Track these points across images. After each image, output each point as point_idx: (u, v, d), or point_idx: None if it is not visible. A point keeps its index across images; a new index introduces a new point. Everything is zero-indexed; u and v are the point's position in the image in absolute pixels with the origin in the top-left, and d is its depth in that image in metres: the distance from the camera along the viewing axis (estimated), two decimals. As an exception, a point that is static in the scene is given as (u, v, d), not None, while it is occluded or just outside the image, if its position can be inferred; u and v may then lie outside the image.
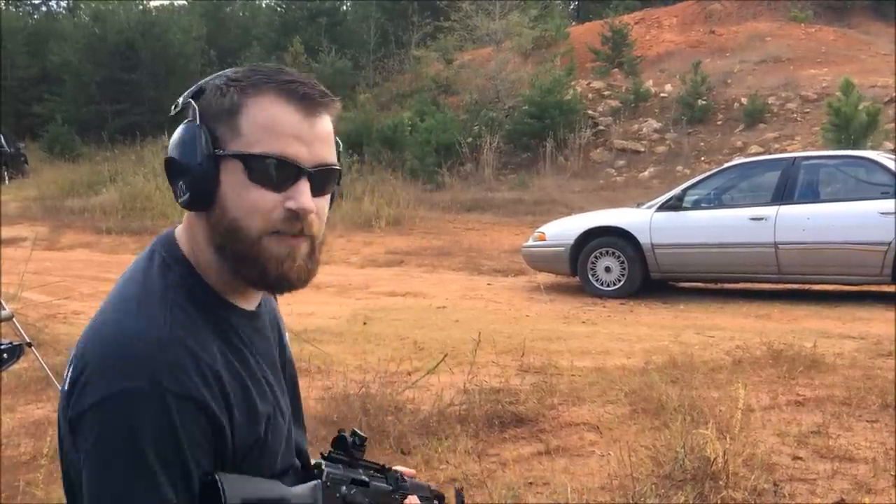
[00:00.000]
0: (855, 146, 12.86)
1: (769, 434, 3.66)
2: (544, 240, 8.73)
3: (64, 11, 37.99)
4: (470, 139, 18.46)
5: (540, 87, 18.64)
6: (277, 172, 0.96)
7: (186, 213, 1.03)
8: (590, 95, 20.69)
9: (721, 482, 3.05)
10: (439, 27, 23.42)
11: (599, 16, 27.32)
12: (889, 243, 7.11)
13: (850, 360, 4.96)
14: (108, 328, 0.97)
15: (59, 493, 3.40)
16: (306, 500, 1.10)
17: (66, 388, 0.97)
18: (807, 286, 8.14)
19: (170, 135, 1.05)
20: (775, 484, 3.07)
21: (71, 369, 0.97)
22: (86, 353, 0.95)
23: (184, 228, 1.05)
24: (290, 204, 0.97)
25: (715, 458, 3.11)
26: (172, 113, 1.03)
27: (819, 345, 5.21)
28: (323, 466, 1.16)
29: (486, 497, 3.04)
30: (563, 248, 8.46)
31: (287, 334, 1.28)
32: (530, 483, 3.23)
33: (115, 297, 1.02)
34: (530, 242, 8.96)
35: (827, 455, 3.41)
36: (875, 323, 6.39)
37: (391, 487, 1.30)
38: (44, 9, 38.85)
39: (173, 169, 0.98)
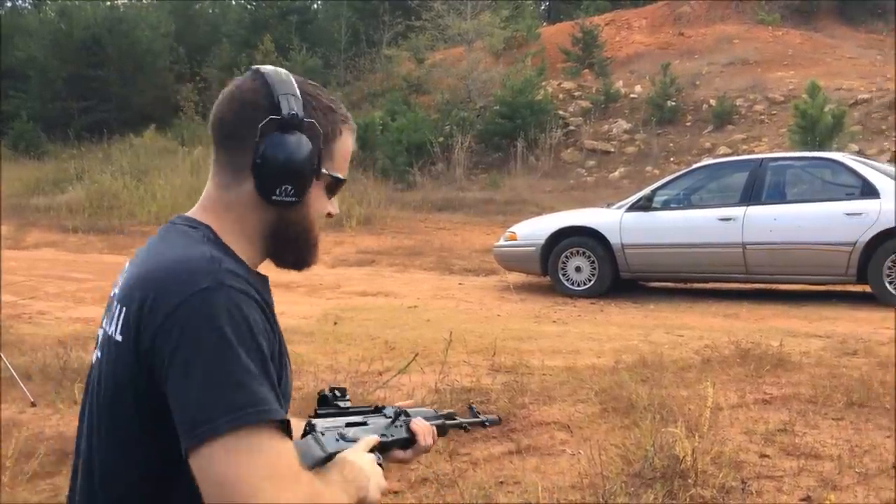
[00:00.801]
0: (821, 148, 13.06)
1: (737, 432, 3.70)
2: (515, 239, 8.75)
3: (29, 7, 37.36)
4: (441, 139, 18.46)
5: (511, 87, 18.69)
6: (339, 189, 1.25)
7: (230, 205, 1.17)
8: (560, 96, 20.79)
9: (690, 480, 3.07)
10: (411, 26, 23.40)
11: (570, 16, 27.46)
12: (854, 244, 7.22)
13: (816, 359, 5.03)
14: (163, 259, 1.10)
15: (24, 495, 3.33)
16: (305, 450, 1.13)
17: (128, 321, 1.07)
18: (774, 286, 8.25)
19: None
20: (743, 481, 3.10)
21: (127, 308, 1.08)
22: (146, 284, 1.07)
23: (217, 219, 1.18)
24: (332, 210, 1.25)
25: (684, 457, 3.14)
26: (286, 115, 1.15)
27: (786, 344, 5.28)
28: (315, 423, 1.20)
29: (457, 497, 3.04)
30: (533, 248, 8.48)
31: None
32: (501, 482, 3.23)
33: (155, 249, 1.15)
34: (501, 242, 8.98)
35: (793, 452, 3.45)
36: (841, 322, 6.49)
37: (391, 418, 1.34)
38: (8, 4, 38.20)
39: (284, 170, 1.14)
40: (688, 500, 2.97)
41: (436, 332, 5.95)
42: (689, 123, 18.91)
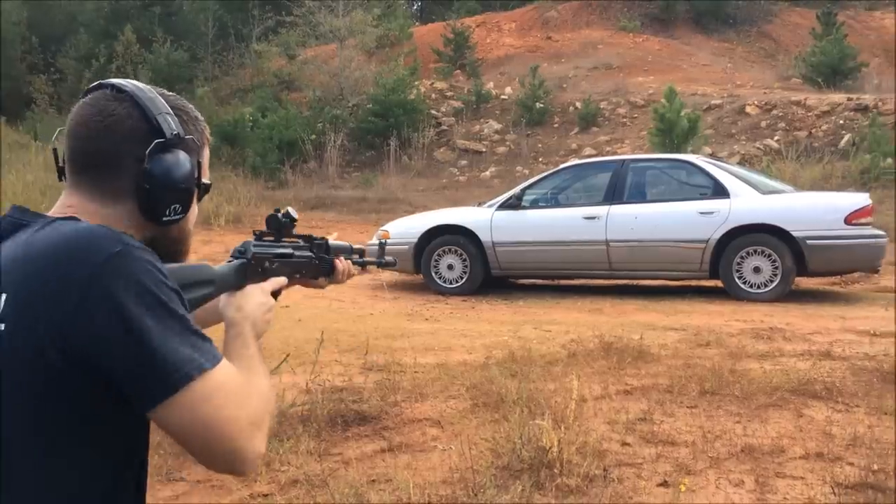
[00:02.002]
0: (678, 150, 13.76)
1: (600, 422, 3.85)
2: (388, 238, 8.76)
3: None
4: (314, 136, 18.25)
5: (384, 85, 18.70)
6: (207, 192, 1.27)
7: (106, 217, 1.13)
8: (433, 96, 20.98)
9: (556, 470, 3.17)
10: (281, 22, 23.00)
11: (442, 17, 27.74)
12: (707, 241, 7.65)
13: (673, 351, 5.29)
14: (56, 236, 1.05)
15: None
16: (229, 277, 1.29)
17: (22, 304, 1.01)
18: (635, 281, 8.62)
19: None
20: (605, 469, 3.23)
21: (15, 293, 1.02)
22: (42, 262, 1.02)
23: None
24: (196, 212, 1.26)
25: (550, 448, 3.24)
26: (171, 136, 1.15)
27: (645, 337, 5.53)
28: (251, 246, 1.35)
29: (328, 497, 3.02)
30: (406, 247, 8.52)
31: None
32: (373, 481, 3.23)
33: (34, 236, 1.07)
34: (374, 241, 8.97)
35: (652, 440, 3.62)
36: (695, 315, 6.85)
37: (313, 255, 1.51)
38: None
39: (174, 191, 1.15)
40: (554, 489, 3.06)
41: (307, 332, 5.87)
42: (556, 125, 19.50)
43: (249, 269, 1.33)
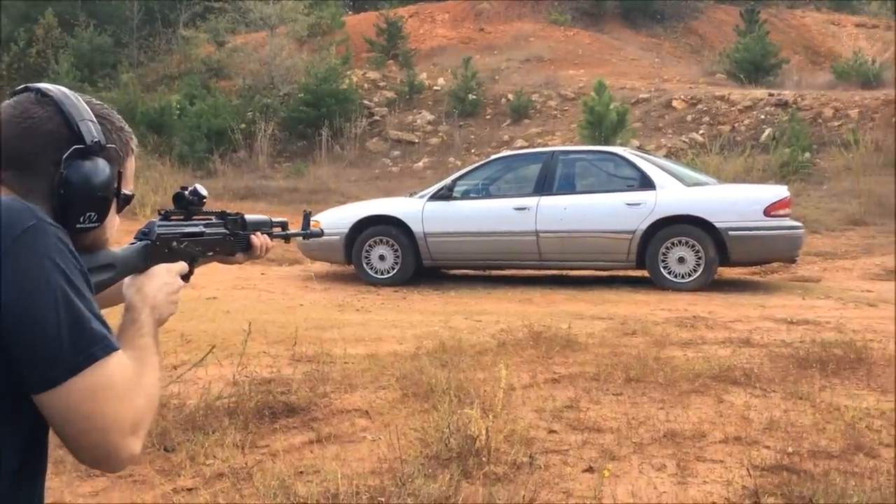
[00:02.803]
0: (607, 142, 13.99)
1: (528, 410, 3.90)
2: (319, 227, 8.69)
3: None
4: (243, 125, 17.95)
5: (315, 74, 18.50)
6: (128, 204, 1.26)
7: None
8: (366, 85, 20.85)
9: (484, 458, 3.20)
10: (210, 7, 22.51)
11: (375, 7, 27.55)
12: (633, 232, 7.80)
13: (600, 339, 5.39)
14: None
15: None
16: (132, 260, 1.26)
17: None
18: (564, 272, 8.74)
19: None
20: (532, 457, 3.27)
21: None
22: None
23: None
24: (117, 221, 1.25)
25: (478, 436, 3.26)
26: (91, 143, 1.13)
27: (573, 326, 5.63)
28: (155, 227, 1.31)
29: (253, 490, 2.99)
30: (337, 237, 8.46)
31: None
32: (301, 472, 3.20)
33: None
34: (305, 231, 8.88)
35: (578, 427, 3.69)
36: (622, 305, 6.99)
37: (227, 231, 1.48)
38: None
39: (89, 199, 1.13)
40: (481, 477, 3.09)
41: (235, 324, 5.79)
42: (488, 116, 19.60)
43: (154, 251, 1.30)
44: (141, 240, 1.32)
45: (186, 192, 1.39)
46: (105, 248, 1.24)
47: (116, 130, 1.21)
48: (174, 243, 1.33)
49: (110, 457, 1.05)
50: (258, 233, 1.59)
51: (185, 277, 1.34)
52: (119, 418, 1.04)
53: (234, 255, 1.56)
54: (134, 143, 1.26)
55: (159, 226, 1.34)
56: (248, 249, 1.57)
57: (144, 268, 1.28)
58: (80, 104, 1.15)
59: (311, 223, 8.09)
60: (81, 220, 1.14)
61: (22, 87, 1.19)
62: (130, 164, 1.24)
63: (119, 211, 1.23)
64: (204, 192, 1.40)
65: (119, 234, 1.27)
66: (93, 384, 1.02)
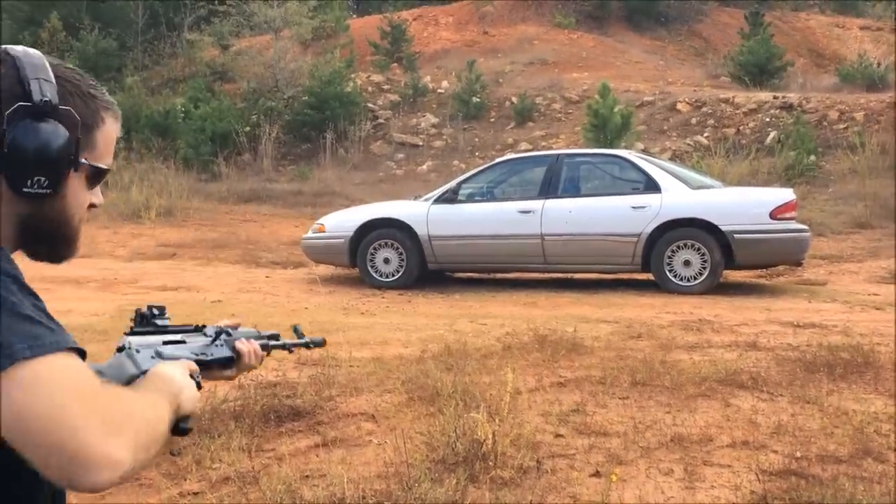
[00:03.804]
0: (611, 145, 13.97)
1: (534, 414, 3.88)
2: (324, 231, 8.69)
3: None
4: (248, 128, 17.97)
5: (320, 77, 18.51)
6: (102, 179, 1.18)
7: None
8: (370, 89, 20.86)
9: (490, 462, 3.19)
10: (214, 11, 22.54)
11: (379, 10, 27.58)
12: (639, 235, 7.79)
13: (606, 343, 5.37)
14: None
15: None
16: (116, 371, 1.15)
17: None
18: (569, 275, 8.73)
19: None
20: (538, 461, 3.26)
21: None
22: None
23: None
24: (95, 200, 1.18)
25: (485, 440, 3.25)
26: (38, 101, 1.07)
27: (579, 329, 5.61)
28: (128, 340, 1.19)
29: (259, 494, 2.98)
30: (342, 240, 8.46)
31: None
32: (306, 476, 3.20)
33: None
34: (310, 234, 8.89)
35: (585, 431, 3.67)
36: (627, 308, 6.97)
37: (211, 337, 1.34)
38: None
39: (35, 161, 1.06)
40: (488, 481, 3.08)
41: (241, 327, 5.78)
42: (492, 119, 19.59)
43: (139, 359, 1.17)
44: (120, 351, 1.18)
45: (145, 310, 1.27)
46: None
47: (82, 95, 1.13)
48: (157, 349, 1.20)
49: (80, 463, 0.91)
50: (244, 339, 1.42)
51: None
52: (78, 415, 0.92)
53: (222, 370, 1.39)
54: (110, 114, 1.17)
55: (134, 333, 1.22)
56: (234, 362, 1.40)
57: (128, 381, 1.14)
58: (41, 62, 1.09)
59: (316, 227, 7.99)
60: (29, 183, 1.06)
61: None
62: (103, 135, 1.16)
63: (91, 185, 1.16)
64: (162, 305, 1.29)
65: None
66: (32, 377, 0.92)
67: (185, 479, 3.16)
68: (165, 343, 1.23)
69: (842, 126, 16.52)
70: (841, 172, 14.55)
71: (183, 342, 1.27)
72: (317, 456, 3.45)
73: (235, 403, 3.93)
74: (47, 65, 1.11)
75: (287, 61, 20.26)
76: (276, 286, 8.58)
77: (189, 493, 3.05)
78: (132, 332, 1.23)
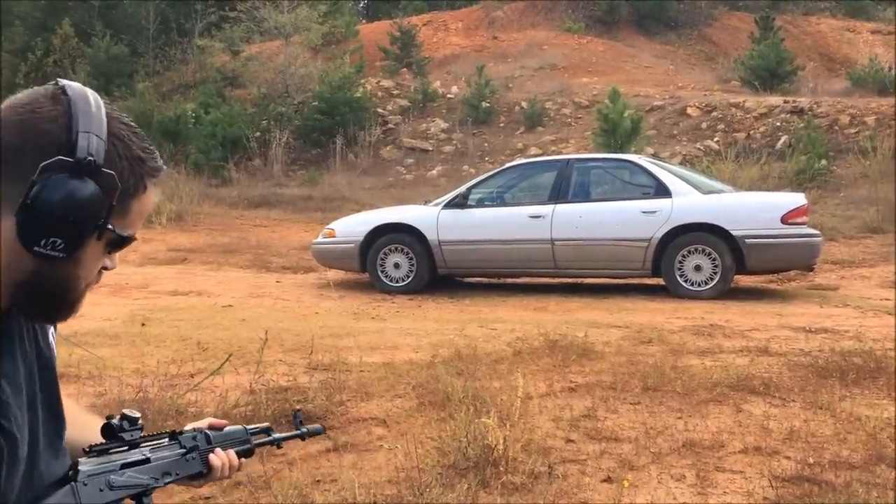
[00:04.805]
0: (621, 150, 13.94)
1: (545, 419, 3.87)
2: (334, 236, 8.71)
3: None
4: (258, 133, 18.04)
5: (330, 83, 18.57)
6: (123, 247, 1.07)
7: (2, 240, 0.97)
8: (379, 94, 20.91)
9: (501, 468, 3.19)
10: (225, 17, 22.64)
11: (388, 15, 27.66)
12: (649, 240, 7.77)
13: (616, 348, 5.36)
14: None
15: None
16: None
17: None
18: (580, 280, 8.71)
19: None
20: (550, 466, 3.25)
21: None
22: None
23: None
24: (109, 264, 1.07)
25: (496, 445, 3.25)
26: (81, 158, 0.96)
27: (589, 334, 5.60)
28: (79, 466, 1.06)
29: (271, 498, 2.98)
30: (352, 245, 8.47)
31: (54, 336, 1.17)
32: (318, 481, 3.20)
33: None
34: (320, 239, 8.90)
35: (596, 436, 3.66)
36: (638, 313, 6.95)
37: (184, 450, 1.23)
38: None
39: (56, 222, 0.96)
40: (499, 487, 3.08)
41: (251, 332, 5.80)
42: (502, 124, 19.60)
43: (85, 491, 1.04)
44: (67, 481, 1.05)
45: (115, 422, 1.14)
46: None
47: (130, 158, 1.02)
48: (112, 476, 1.08)
49: None
50: (220, 449, 1.29)
51: None
52: None
53: (195, 479, 1.28)
54: (154, 180, 1.07)
55: (84, 463, 1.08)
56: (205, 474, 1.28)
57: None
58: (94, 113, 0.99)
59: (326, 232, 7.99)
60: (42, 243, 0.95)
61: (55, 80, 1.04)
62: (139, 203, 1.06)
63: (110, 251, 1.06)
64: (136, 414, 1.16)
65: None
66: None
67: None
68: (125, 465, 1.11)
69: (853, 130, 16.45)
70: (852, 177, 14.48)
71: (147, 461, 1.14)
72: (328, 461, 3.45)
73: (246, 408, 3.94)
74: (104, 117, 1.00)
75: (297, 67, 20.33)
76: (287, 291, 8.59)
77: (201, 498, 3.06)
78: (91, 450, 1.10)
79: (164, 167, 1.12)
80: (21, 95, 1.02)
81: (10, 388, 1.01)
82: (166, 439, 1.22)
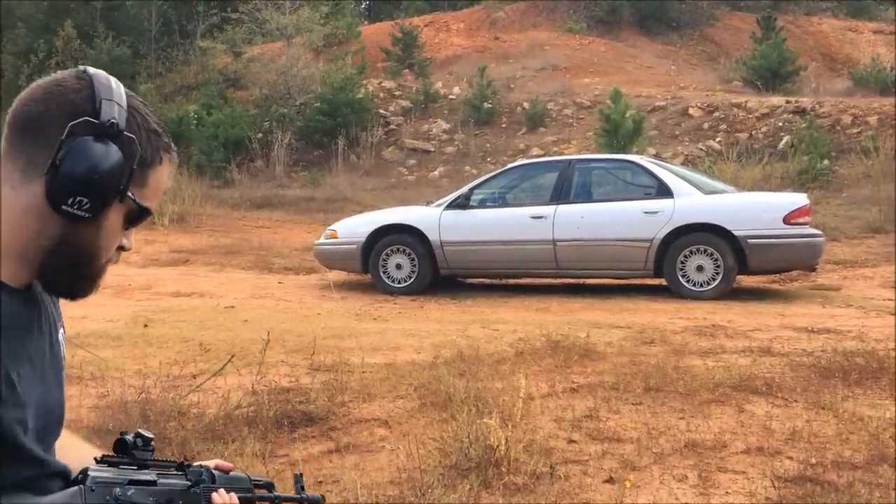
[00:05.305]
0: (623, 150, 13.92)
1: (547, 420, 3.88)
2: (336, 237, 8.71)
3: None
4: (260, 135, 18.04)
5: (332, 84, 18.58)
6: (141, 221, 1.13)
7: (11, 208, 1.03)
8: (381, 95, 20.90)
9: (503, 468, 3.19)
10: (227, 18, 22.65)
11: (390, 16, 27.66)
12: (651, 240, 7.76)
13: (618, 348, 5.36)
14: None
15: None
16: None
17: None
18: (582, 280, 8.71)
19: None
20: (552, 467, 3.25)
21: None
22: None
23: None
24: (126, 243, 1.13)
25: (498, 446, 3.25)
26: (104, 121, 1.04)
27: (591, 335, 5.60)
28: (89, 471, 1.06)
29: (273, 499, 2.98)
30: (354, 246, 8.47)
31: (63, 336, 1.20)
32: (320, 482, 3.21)
33: None
34: (322, 240, 8.91)
35: (598, 437, 3.66)
36: (640, 313, 6.95)
37: (190, 482, 1.19)
38: None
39: (83, 179, 1.02)
40: (501, 487, 3.08)
41: (254, 333, 5.80)
42: (504, 125, 19.59)
43: (91, 497, 1.04)
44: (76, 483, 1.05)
45: (129, 438, 1.14)
46: (29, 496, 1.03)
47: (146, 130, 1.10)
48: (117, 490, 1.07)
49: None
50: (223, 490, 1.25)
51: None
52: None
53: None
54: (168, 155, 1.14)
55: (94, 469, 1.07)
56: None
57: None
58: (114, 87, 1.07)
59: (328, 233, 7.93)
60: (70, 201, 1.02)
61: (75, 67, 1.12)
62: (156, 175, 1.12)
63: (131, 224, 1.11)
64: (149, 434, 1.17)
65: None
66: None
67: (199, 485, 3.17)
68: (132, 482, 1.09)
69: (855, 130, 16.43)
70: (855, 177, 14.47)
71: (154, 483, 1.13)
72: (330, 461, 3.46)
73: (249, 409, 3.95)
74: (123, 92, 1.09)
75: (299, 68, 20.33)
76: (289, 292, 8.60)
77: None
78: (103, 459, 1.11)
79: (175, 148, 1.17)
80: (45, 78, 1.10)
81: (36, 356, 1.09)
82: (174, 469, 1.20)
